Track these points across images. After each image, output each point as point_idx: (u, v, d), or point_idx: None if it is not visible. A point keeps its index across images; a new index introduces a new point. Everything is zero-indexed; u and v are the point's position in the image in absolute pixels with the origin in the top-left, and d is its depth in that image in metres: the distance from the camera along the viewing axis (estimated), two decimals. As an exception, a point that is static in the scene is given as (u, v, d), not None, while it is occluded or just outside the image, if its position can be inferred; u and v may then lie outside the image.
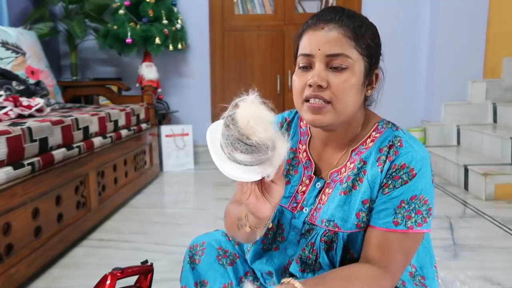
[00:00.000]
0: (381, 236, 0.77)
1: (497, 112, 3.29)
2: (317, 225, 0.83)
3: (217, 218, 2.24)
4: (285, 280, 0.70)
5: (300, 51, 0.81)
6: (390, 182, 0.78)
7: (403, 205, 0.77)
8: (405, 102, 3.46)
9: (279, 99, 3.58)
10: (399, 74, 3.44)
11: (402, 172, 0.77)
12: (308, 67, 0.79)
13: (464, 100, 3.43)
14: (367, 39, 0.79)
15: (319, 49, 0.77)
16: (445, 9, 3.31)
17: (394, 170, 0.78)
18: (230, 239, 1.00)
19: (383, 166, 0.78)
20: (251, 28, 3.53)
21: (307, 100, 0.79)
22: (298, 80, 0.81)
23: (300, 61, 0.81)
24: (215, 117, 3.64)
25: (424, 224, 0.77)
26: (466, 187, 2.69)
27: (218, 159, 0.66)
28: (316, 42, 0.78)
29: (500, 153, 2.75)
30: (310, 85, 0.77)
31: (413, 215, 0.76)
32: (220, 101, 3.60)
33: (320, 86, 0.76)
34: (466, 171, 2.68)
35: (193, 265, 0.95)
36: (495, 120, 3.31)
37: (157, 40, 3.16)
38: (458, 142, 3.32)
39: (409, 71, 3.49)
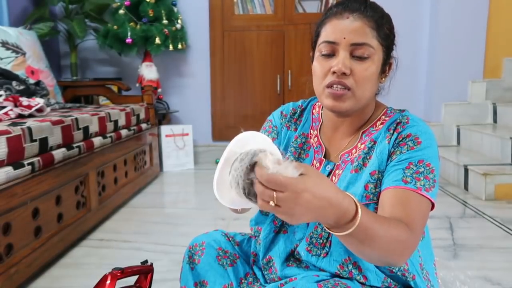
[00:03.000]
0: (395, 194, 0.76)
1: (497, 112, 3.29)
2: None
3: (217, 218, 2.24)
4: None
5: (324, 39, 0.83)
6: (397, 149, 0.81)
7: (411, 166, 0.78)
8: (405, 102, 3.45)
9: (279, 99, 3.58)
10: (399, 74, 3.42)
11: (408, 140, 0.80)
12: (331, 55, 0.83)
13: (464, 100, 3.43)
14: (386, 30, 0.83)
15: (344, 38, 0.80)
16: (445, 9, 3.31)
17: (400, 139, 0.81)
18: (230, 239, 1.00)
19: (391, 138, 0.82)
20: (251, 28, 3.53)
21: (328, 87, 0.82)
22: (320, 67, 0.84)
23: (323, 48, 0.83)
24: (215, 117, 3.64)
25: (431, 191, 0.77)
26: (466, 187, 2.69)
27: (220, 173, 0.66)
28: (341, 30, 0.81)
29: (500, 153, 2.75)
30: (333, 72, 0.81)
31: (421, 177, 0.77)
32: (220, 101, 3.61)
33: (344, 73, 0.80)
34: (466, 171, 2.68)
35: (192, 265, 0.95)
36: (495, 120, 3.31)
37: (157, 40, 3.16)
38: (458, 142, 3.32)
39: (409, 71, 3.49)
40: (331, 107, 0.83)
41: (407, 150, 0.79)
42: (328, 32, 0.83)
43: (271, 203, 0.57)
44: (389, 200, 0.76)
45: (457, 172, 2.79)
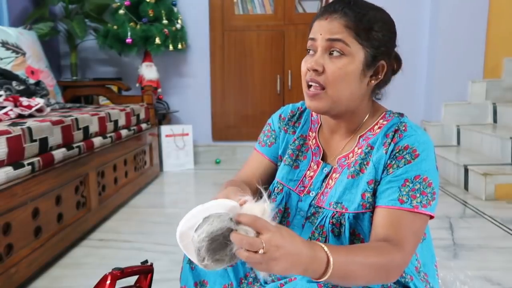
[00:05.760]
0: (389, 214, 0.77)
1: (497, 112, 3.29)
2: (324, 208, 0.85)
3: (217, 218, 2.24)
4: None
5: (308, 36, 0.86)
6: (393, 162, 0.80)
7: (407, 183, 0.78)
8: (405, 102, 3.45)
9: (279, 99, 3.58)
10: (399, 74, 3.42)
11: (405, 153, 0.79)
12: (313, 52, 0.84)
13: (464, 100, 3.43)
14: (371, 30, 0.81)
15: (321, 34, 0.82)
16: (445, 9, 3.31)
17: (397, 151, 0.80)
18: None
19: (388, 148, 0.81)
20: (251, 28, 3.53)
21: (308, 87, 0.84)
22: (303, 64, 0.86)
23: (308, 45, 0.85)
24: (215, 117, 3.64)
25: (429, 206, 0.77)
26: (466, 187, 2.69)
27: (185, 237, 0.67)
28: (319, 29, 0.83)
29: (500, 153, 2.75)
30: (308, 69, 0.83)
31: (418, 195, 0.77)
32: (220, 101, 3.61)
33: (316, 70, 0.81)
34: (466, 171, 2.68)
35: (192, 265, 0.95)
36: (495, 120, 3.31)
37: (157, 40, 3.16)
38: (458, 142, 3.32)
39: (409, 71, 3.47)
40: (309, 107, 0.85)
41: (404, 164, 0.79)
42: (312, 31, 0.85)
43: (261, 251, 0.60)
44: (382, 221, 0.77)
45: (457, 172, 2.79)
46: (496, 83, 3.38)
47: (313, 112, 0.98)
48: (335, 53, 0.81)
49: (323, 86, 0.81)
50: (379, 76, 0.86)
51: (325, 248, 0.66)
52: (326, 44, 0.81)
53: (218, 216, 0.64)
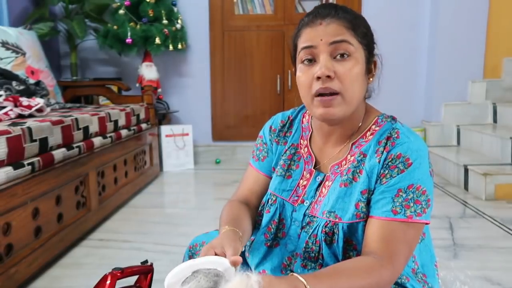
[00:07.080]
0: (382, 226, 0.76)
1: (497, 112, 3.29)
2: (317, 217, 0.84)
3: (217, 218, 2.23)
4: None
5: (301, 45, 0.82)
6: (387, 172, 0.79)
7: (400, 193, 0.77)
8: (405, 102, 3.46)
9: (279, 99, 3.58)
10: (399, 74, 3.44)
11: (398, 162, 0.78)
12: (312, 60, 0.81)
13: (464, 100, 3.43)
14: (363, 29, 0.81)
15: (321, 39, 0.78)
16: (445, 9, 3.31)
17: (390, 160, 0.79)
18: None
19: (381, 157, 0.80)
20: (251, 28, 3.53)
21: (316, 95, 0.80)
22: (304, 76, 0.81)
23: (303, 55, 0.81)
24: (215, 117, 3.64)
25: (424, 214, 0.77)
26: (466, 187, 2.69)
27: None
28: (316, 35, 0.79)
29: (500, 153, 2.75)
30: (318, 78, 0.78)
31: (411, 204, 0.76)
32: (220, 101, 3.61)
33: (328, 77, 0.77)
34: (466, 171, 2.68)
35: (192, 264, 0.95)
36: (495, 120, 3.31)
37: (157, 40, 3.16)
38: (458, 142, 3.32)
39: (409, 71, 3.49)
40: (323, 115, 0.80)
41: (397, 174, 0.77)
42: (305, 39, 0.81)
43: None
44: (375, 233, 0.76)
45: (457, 172, 2.79)
46: (496, 83, 3.37)
47: (303, 119, 0.96)
48: (342, 56, 0.78)
49: (337, 91, 0.78)
50: (374, 73, 0.86)
51: (304, 282, 0.64)
52: (330, 48, 0.78)
53: (205, 274, 0.67)
